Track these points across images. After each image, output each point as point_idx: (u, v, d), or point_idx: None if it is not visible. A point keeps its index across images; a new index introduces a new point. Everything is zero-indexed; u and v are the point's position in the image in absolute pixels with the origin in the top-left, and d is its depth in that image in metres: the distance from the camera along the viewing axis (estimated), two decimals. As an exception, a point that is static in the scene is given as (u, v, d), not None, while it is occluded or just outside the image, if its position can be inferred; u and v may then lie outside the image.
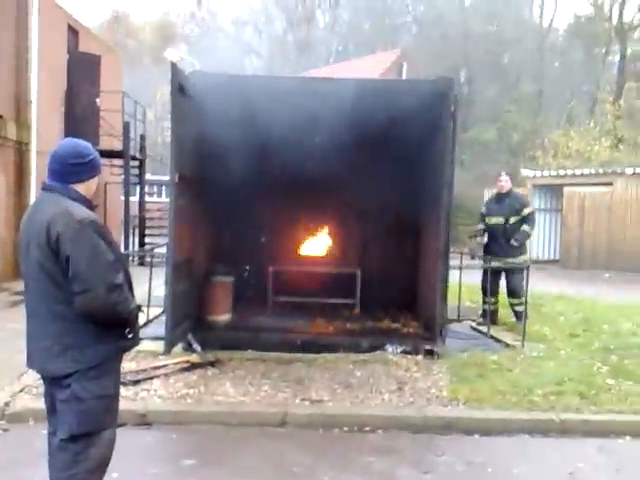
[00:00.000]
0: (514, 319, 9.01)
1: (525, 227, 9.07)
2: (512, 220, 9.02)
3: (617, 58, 34.66)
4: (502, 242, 9.00)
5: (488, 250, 9.22)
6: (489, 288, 8.83)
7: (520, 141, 29.80)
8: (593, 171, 19.63)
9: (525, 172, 21.23)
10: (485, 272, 9.06)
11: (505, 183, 9.23)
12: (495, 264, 8.85)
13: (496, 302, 9.15)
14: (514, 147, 30.03)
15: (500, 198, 9.25)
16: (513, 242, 8.93)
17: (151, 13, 46.68)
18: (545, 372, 6.84)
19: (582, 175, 19.52)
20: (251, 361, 7.00)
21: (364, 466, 4.83)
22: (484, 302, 9.14)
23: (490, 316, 8.73)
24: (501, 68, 32.45)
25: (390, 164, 8.48)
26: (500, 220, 9.08)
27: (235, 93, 7.33)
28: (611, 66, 36.49)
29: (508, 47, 31.69)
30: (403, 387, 6.32)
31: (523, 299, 8.45)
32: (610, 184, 18.58)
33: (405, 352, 7.43)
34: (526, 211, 9.13)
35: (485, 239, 9.25)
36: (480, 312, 9.29)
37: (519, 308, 8.77)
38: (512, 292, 9.01)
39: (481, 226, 9.32)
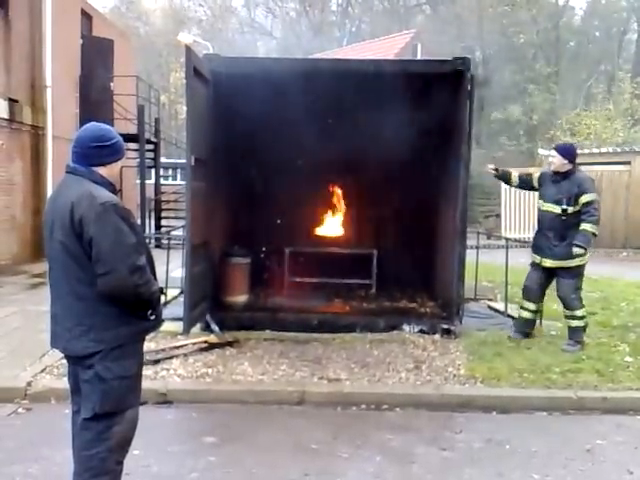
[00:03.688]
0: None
1: (586, 226, 6.77)
2: (570, 210, 6.84)
3: (635, 36, 34.18)
4: (552, 238, 6.92)
5: (535, 246, 7.23)
6: (529, 289, 7.25)
7: (537, 121, 29.53)
8: (611, 150, 19.45)
9: (542, 151, 21.10)
10: (532, 268, 7.29)
11: (554, 159, 7.04)
12: (543, 263, 7.04)
13: (537, 310, 7.35)
14: (531, 127, 29.77)
15: (556, 179, 7.01)
16: (575, 250, 6.69)
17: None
18: (562, 351, 6.84)
19: (600, 154, 19.33)
20: (269, 341, 7.05)
21: (382, 443, 4.86)
22: (521, 307, 7.40)
23: (524, 327, 7.31)
24: (516, 48, 32.06)
25: (406, 144, 8.44)
26: (552, 208, 6.93)
27: (249, 75, 7.33)
28: (629, 45, 36.00)
29: (523, 27, 31.26)
30: (420, 366, 6.34)
31: (578, 312, 6.97)
32: (628, 163, 18.39)
33: (422, 331, 7.45)
34: (585, 198, 6.80)
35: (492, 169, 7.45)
36: (513, 321, 7.68)
37: (571, 323, 7.04)
38: (560, 300, 7.15)
39: (491, 166, 7.50)
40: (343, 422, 5.28)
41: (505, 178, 7.57)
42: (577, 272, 6.96)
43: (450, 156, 7.68)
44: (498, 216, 21.16)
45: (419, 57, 27.39)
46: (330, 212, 9.70)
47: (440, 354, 6.74)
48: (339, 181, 9.20)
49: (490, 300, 9.35)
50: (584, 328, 7.09)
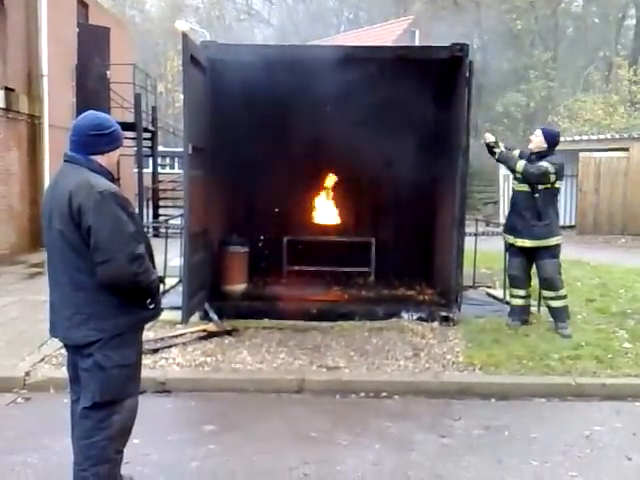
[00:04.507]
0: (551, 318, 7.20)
1: (543, 162, 6.81)
2: (540, 187, 6.86)
3: (633, 22, 34.00)
4: (529, 218, 6.90)
5: (508, 227, 7.29)
6: (515, 276, 7.29)
7: (534, 108, 29.46)
8: (609, 136, 19.42)
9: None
10: (511, 256, 7.37)
11: (534, 138, 7.04)
12: (519, 243, 7.08)
13: (527, 295, 7.36)
14: (530, 114, 29.69)
15: (531, 159, 6.98)
16: (501, 151, 7.09)
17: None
18: (561, 337, 6.84)
19: (598, 140, 19.31)
20: (267, 329, 7.05)
21: (381, 431, 4.86)
22: (511, 295, 7.46)
23: (519, 313, 7.29)
24: (514, 35, 31.92)
25: (405, 131, 8.41)
26: (526, 187, 6.96)
27: (246, 62, 7.28)
28: (627, 31, 35.82)
29: (521, 13, 31.11)
30: (419, 353, 6.35)
31: (562, 291, 7.03)
32: (626, 149, 18.38)
33: (421, 319, 7.45)
34: (546, 166, 6.80)
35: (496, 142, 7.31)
36: (508, 309, 7.54)
37: (555, 303, 7.04)
38: (544, 282, 7.08)
39: (491, 137, 7.32)
40: (342, 410, 5.29)
41: (494, 149, 7.30)
42: (557, 250, 7.02)
43: (449, 143, 7.65)
44: (496, 203, 21.13)
45: (417, 43, 27.31)
46: (328, 200, 9.67)
47: (439, 341, 6.74)
48: (337, 169, 9.17)
49: (489, 287, 9.35)
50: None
